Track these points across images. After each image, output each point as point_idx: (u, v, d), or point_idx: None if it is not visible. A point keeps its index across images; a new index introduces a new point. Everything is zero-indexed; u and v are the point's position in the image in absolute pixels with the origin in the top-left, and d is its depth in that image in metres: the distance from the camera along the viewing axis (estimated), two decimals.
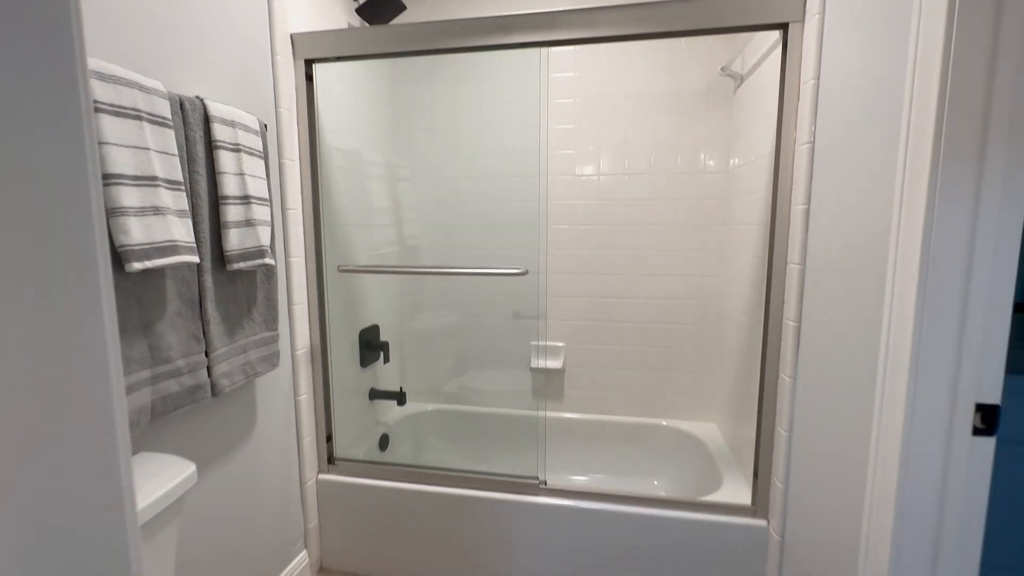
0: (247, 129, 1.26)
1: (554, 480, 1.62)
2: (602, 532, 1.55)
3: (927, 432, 0.86)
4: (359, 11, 1.89)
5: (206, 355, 1.16)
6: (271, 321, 1.39)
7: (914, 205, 0.83)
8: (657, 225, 2.15)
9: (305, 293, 1.65)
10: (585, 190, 2.19)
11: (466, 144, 2.27)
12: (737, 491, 1.62)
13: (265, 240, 1.28)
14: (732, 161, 2.02)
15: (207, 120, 1.16)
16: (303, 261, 1.63)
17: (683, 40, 2.02)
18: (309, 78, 1.61)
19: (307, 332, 1.66)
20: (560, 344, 2.31)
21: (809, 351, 1.26)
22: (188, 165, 1.11)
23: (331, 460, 1.76)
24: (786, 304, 1.36)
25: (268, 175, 1.35)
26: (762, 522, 1.46)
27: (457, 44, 1.48)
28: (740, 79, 1.90)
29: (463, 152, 2.28)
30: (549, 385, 2.34)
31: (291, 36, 1.55)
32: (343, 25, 1.88)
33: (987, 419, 0.84)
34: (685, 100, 2.06)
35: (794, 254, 1.31)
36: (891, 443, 0.90)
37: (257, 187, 1.28)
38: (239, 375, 1.27)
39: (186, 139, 1.11)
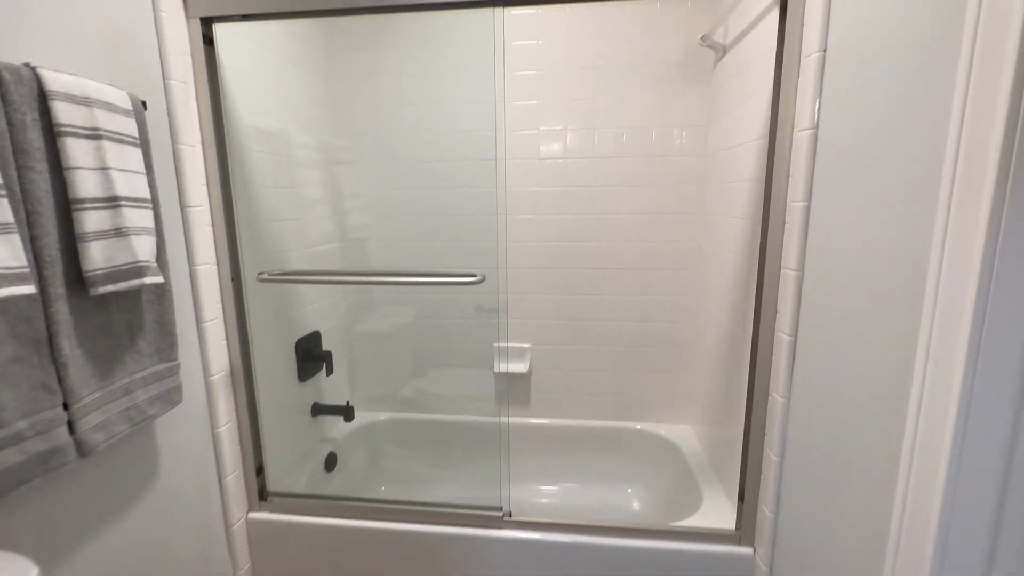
0: (112, 108, 0.97)
1: (522, 491, 1.45)
2: (573, 566, 1.39)
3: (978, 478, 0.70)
4: None
5: (65, 408, 0.90)
6: (166, 350, 1.12)
7: (968, 221, 0.65)
8: (627, 214, 1.95)
9: (219, 307, 1.37)
10: (550, 175, 1.96)
11: (415, 122, 1.99)
12: (718, 509, 1.49)
13: (145, 253, 1.00)
14: (711, 144, 1.83)
15: (43, 97, 0.86)
16: (214, 269, 1.35)
17: (659, 3, 1.79)
18: (209, 41, 1.30)
19: (224, 352, 1.40)
20: (526, 346, 2.11)
21: (807, 369, 1.11)
22: (15, 159, 0.82)
23: (263, 496, 1.52)
24: (779, 315, 1.19)
25: (150, 168, 1.06)
26: (748, 550, 1.33)
27: (391, 1, 1.20)
28: (723, 50, 1.69)
29: (412, 132, 2.00)
30: (514, 390, 2.15)
31: None
32: None
33: None
34: (660, 72, 1.83)
35: (790, 258, 1.14)
36: (931, 488, 0.75)
37: (131, 185, 0.99)
38: (121, 424, 1.00)
39: (8, 123, 0.81)
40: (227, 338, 1.40)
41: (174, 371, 1.14)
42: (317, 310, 1.92)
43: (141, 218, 1.01)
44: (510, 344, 2.10)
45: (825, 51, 1.02)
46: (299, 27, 1.80)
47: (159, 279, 1.04)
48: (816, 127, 1.05)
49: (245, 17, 1.30)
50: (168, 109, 1.22)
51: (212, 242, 1.35)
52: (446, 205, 2.01)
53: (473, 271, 1.40)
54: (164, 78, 1.21)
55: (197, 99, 1.29)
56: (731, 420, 1.54)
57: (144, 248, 1.01)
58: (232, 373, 1.43)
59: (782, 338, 1.18)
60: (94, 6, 1.03)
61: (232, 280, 1.39)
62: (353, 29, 1.95)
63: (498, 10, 1.20)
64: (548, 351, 2.11)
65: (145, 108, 1.07)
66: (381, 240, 2.08)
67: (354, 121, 2.00)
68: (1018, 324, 0.64)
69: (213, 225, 1.35)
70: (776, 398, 1.21)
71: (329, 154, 1.99)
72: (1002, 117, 0.61)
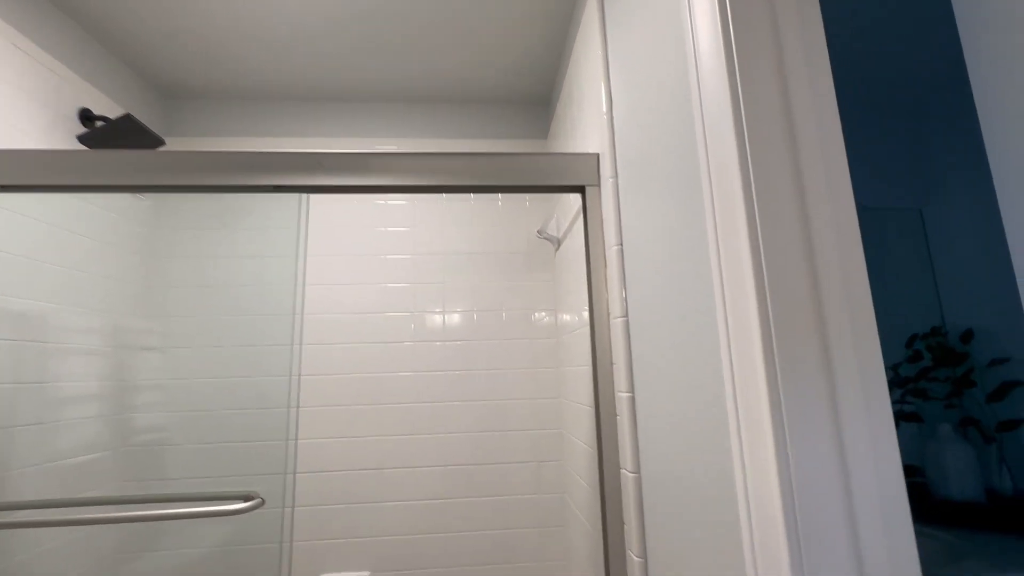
0: None
1: None
2: None
3: None
4: (82, 139, 1.45)
5: None
6: None
7: (756, 426, 0.56)
8: (482, 401, 1.79)
9: None
10: (417, 356, 1.80)
11: (215, 305, 1.78)
12: None
13: None
14: (559, 328, 1.83)
15: None
16: None
17: (499, 200, 1.93)
18: None
19: None
20: (364, 575, 1.65)
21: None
22: None
23: None
24: (626, 527, 1.00)
25: None
26: None
27: (186, 182, 1.10)
28: (557, 242, 1.81)
29: (210, 315, 1.77)
30: None
31: None
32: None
33: None
34: (507, 261, 1.90)
35: (626, 459, 1.00)
36: None
37: None
38: None
39: None
40: None
41: None
42: (53, 554, 1.36)
43: None
44: (343, 574, 1.63)
45: (622, 244, 1.05)
46: (111, 201, 1.64)
47: None
48: (626, 315, 1.03)
49: (5, 188, 1.11)
50: None
51: None
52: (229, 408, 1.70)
53: (253, 491, 1.07)
54: None
55: None
56: None
57: None
58: None
59: (633, 559, 0.96)
60: None
61: None
62: (180, 208, 1.83)
63: (303, 196, 1.15)
64: None
65: None
66: (180, 444, 1.66)
67: (169, 302, 1.75)
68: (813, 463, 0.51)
69: None
70: None
71: (119, 338, 1.66)
72: (752, 288, 0.56)
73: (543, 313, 1.86)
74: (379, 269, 1.84)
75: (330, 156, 1.11)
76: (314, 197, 1.85)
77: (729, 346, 0.60)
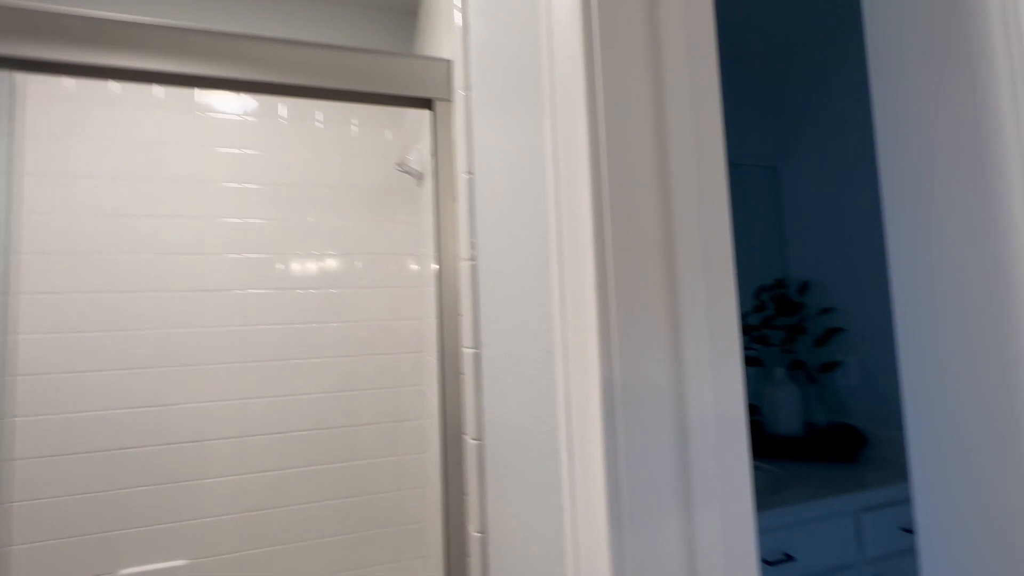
0: None
1: None
2: None
3: None
4: None
5: None
6: None
7: (584, 407, 0.43)
8: (331, 358, 1.56)
9: None
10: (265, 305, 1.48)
11: None
12: None
13: None
14: (423, 276, 1.64)
15: None
16: None
17: (353, 123, 1.63)
18: None
19: None
20: (179, 563, 1.39)
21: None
22: None
23: None
24: (469, 500, 0.89)
25: None
26: None
27: None
28: (420, 177, 1.58)
29: None
30: None
31: None
32: None
33: None
34: (364, 199, 1.63)
35: (469, 424, 0.87)
36: None
37: None
38: None
39: None
40: None
41: None
42: None
43: None
44: (147, 567, 1.36)
45: (473, 172, 0.87)
46: None
47: None
48: (474, 257, 0.87)
49: None
50: None
51: None
52: None
53: None
54: None
55: None
56: None
57: None
58: None
59: (473, 536, 0.86)
60: None
61: None
62: None
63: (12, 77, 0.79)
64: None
65: None
66: None
67: None
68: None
69: None
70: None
71: None
72: (588, 223, 0.42)
73: (405, 257, 1.65)
74: (199, 199, 1.47)
75: (55, 17, 0.75)
76: (122, 93, 1.39)
77: (561, 292, 0.46)
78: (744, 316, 1.70)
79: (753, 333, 1.68)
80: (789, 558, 1.08)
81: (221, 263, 1.48)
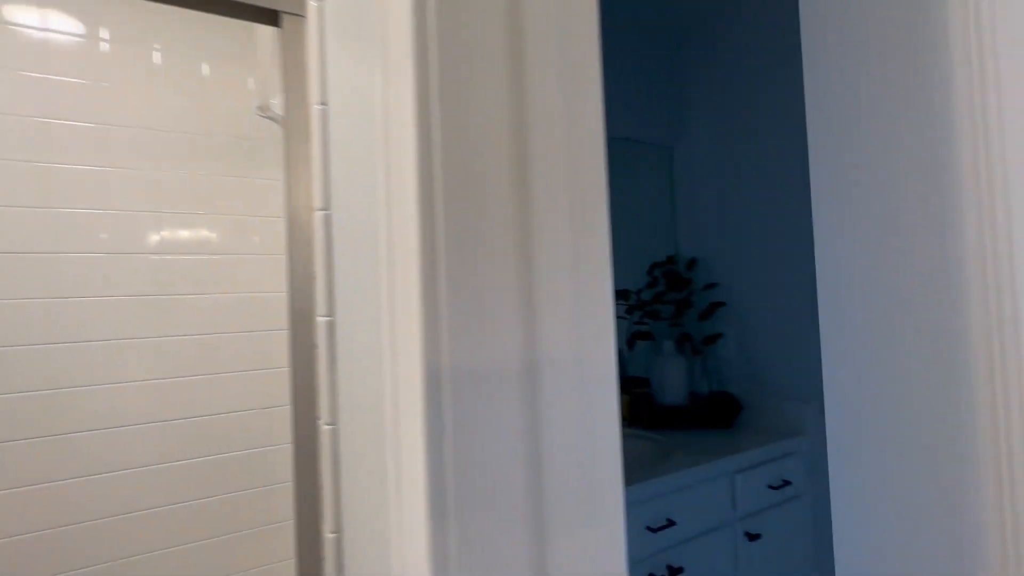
0: None
1: None
2: None
3: None
4: None
5: None
6: None
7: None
8: (183, 336, 1.32)
9: None
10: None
11: None
12: None
13: None
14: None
15: None
16: None
17: (204, 64, 1.36)
18: None
19: None
20: None
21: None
22: None
23: None
24: (324, 495, 0.75)
25: None
26: None
27: None
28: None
29: None
30: None
31: None
32: None
33: None
34: (221, 149, 1.38)
35: (323, 406, 0.73)
36: None
37: None
38: None
39: None
40: None
41: None
42: None
43: None
44: None
45: (327, 105, 0.72)
46: None
47: None
48: (327, 207, 0.72)
49: None
50: None
51: None
52: None
53: None
54: None
55: None
56: None
57: None
58: None
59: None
60: None
61: None
62: None
63: None
64: None
65: None
66: None
67: None
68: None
69: None
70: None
71: None
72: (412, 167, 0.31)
73: (271, 216, 1.43)
74: (13, 140, 1.13)
75: None
76: None
77: (389, 247, 0.35)
78: (638, 292, 1.72)
79: (646, 308, 1.71)
80: (671, 523, 1.09)
81: (40, 219, 1.16)
